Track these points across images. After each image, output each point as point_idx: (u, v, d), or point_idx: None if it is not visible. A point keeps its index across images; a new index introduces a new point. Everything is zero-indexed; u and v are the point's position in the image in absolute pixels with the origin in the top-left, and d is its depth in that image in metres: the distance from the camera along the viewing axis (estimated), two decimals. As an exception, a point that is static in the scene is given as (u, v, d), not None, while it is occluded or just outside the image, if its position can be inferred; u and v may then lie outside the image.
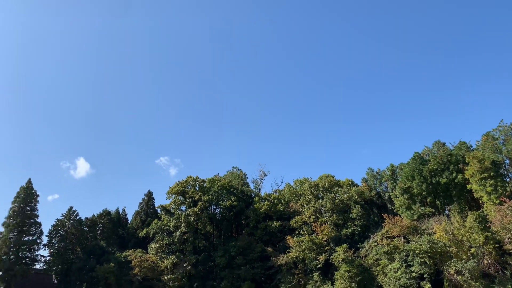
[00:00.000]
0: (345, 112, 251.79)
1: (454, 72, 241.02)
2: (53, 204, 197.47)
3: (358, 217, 77.84)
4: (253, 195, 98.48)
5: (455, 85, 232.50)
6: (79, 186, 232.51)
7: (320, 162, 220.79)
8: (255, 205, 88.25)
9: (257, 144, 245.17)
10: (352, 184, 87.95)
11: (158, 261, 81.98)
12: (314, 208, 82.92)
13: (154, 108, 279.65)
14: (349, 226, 78.03)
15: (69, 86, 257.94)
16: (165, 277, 79.45)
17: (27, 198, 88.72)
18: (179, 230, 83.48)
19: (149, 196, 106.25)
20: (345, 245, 71.11)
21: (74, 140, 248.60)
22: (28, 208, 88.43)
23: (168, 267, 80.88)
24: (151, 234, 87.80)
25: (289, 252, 75.35)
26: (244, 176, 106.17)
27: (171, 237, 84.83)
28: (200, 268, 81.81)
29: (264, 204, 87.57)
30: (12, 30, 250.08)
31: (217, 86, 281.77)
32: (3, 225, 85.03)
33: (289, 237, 77.89)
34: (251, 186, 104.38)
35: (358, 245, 73.46)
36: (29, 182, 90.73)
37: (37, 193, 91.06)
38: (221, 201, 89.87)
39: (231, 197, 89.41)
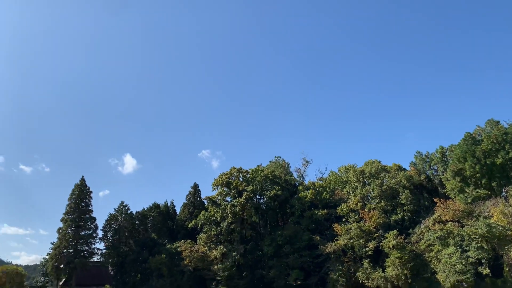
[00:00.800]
0: (386, 97, 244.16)
1: (503, 49, 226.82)
2: (104, 199, 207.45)
3: (408, 202, 75.55)
4: (297, 184, 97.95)
5: (505, 61, 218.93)
6: (127, 181, 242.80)
7: (364, 149, 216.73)
8: (299, 194, 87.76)
9: (299, 132, 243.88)
10: (400, 168, 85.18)
11: (207, 252, 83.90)
12: (361, 195, 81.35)
13: (193, 103, 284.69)
14: (398, 212, 75.85)
15: (112, 87, 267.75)
16: (215, 267, 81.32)
17: (81, 195, 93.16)
18: (226, 220, 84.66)
19: (195, 188, 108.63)
20: (395, 231, 69.40)
21: (120, 138, 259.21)
22: (83, 204, 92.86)
23: (217, 257, 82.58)
24: (199, 225, 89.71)
25: (337, 240, 74.53)
26: (287, 165, 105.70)
27: (218, 228, 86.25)
28: (248, 257, 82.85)
29: (308, 193, 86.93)
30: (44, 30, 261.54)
31: (254, 79, 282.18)
32: (61, 220, 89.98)
33: (336, 225, 77.02)
34: (295, 175, 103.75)
35: (408, 231, 71.43)
36: (83, 179, 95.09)
37: (90, 190, 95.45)
38: (265, 191, 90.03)
39: (275, 186, 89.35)
